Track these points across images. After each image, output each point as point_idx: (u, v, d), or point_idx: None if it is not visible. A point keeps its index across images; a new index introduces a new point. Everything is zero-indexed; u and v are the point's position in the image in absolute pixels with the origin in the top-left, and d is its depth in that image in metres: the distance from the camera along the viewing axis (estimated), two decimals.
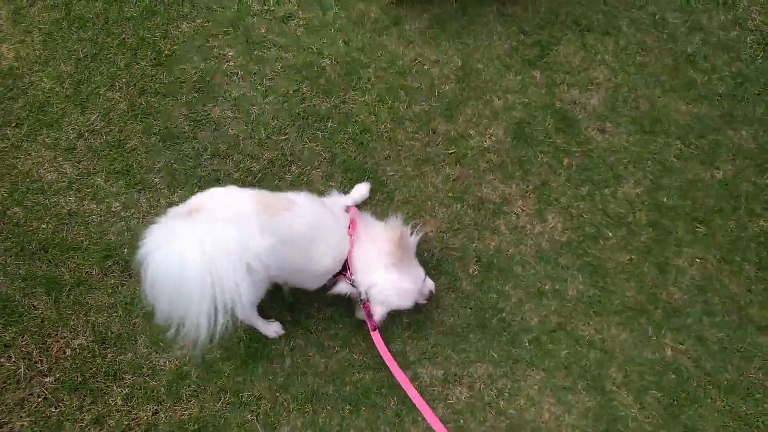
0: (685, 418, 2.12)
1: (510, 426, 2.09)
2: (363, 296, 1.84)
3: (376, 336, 1.81)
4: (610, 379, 2.15)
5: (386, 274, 1.92)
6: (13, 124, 2.36)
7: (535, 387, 2.14)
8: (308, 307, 2.16)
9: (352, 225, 1.89)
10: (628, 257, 2.26)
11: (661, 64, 2.46)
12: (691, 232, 2.31)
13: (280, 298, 2.13)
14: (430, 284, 2.01)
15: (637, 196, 2.34)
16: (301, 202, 1.81)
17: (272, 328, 2.09)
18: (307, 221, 1.76)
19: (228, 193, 1.71)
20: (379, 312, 1.85)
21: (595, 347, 2.17)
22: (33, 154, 2.32)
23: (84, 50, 2.46)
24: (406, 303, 1.91)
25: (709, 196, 2.35)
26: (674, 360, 2.18)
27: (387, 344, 2.01)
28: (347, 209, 2.05)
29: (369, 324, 1.87)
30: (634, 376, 2.16)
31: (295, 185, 2.27)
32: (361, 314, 1.94)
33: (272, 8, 2.52)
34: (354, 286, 1.91)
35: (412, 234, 1.91)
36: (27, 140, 2.35)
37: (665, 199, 2.34)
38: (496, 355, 2.16)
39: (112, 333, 2.12)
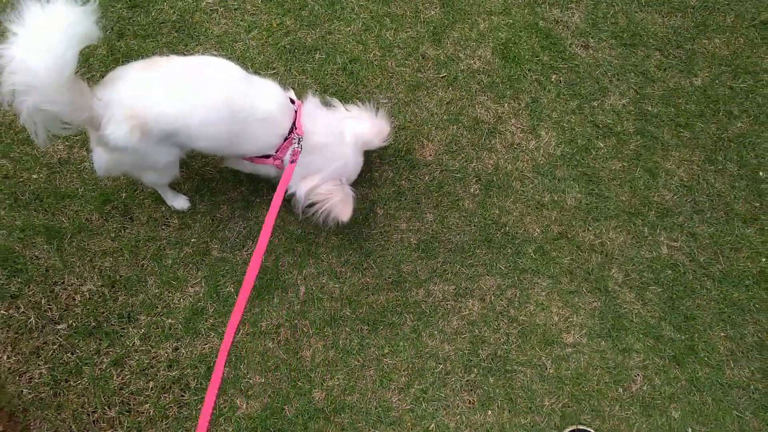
0: (684, 309, 2.58)
1: (522, 331, 2.50)
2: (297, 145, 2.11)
3: (288, 171, 2.08)
4: (612, 280, 2.59)
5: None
6: None
7: (543, 293, 2.56)
8: (316, 236, 2.56)
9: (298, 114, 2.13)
10: (620, 164, 2.71)
11: None
12: (676, 136, 2.77)
13: (288, 230, 2.44)
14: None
15: (623, 106, 2.78)
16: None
17: (178, 202, 2.50)
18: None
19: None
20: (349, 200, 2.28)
21: (596, 251, 2.61)
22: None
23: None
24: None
25: (690, 102, 2.82)
26: (670, 257, 2.64)
27: (398, 264, 2.56)
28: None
29: (292, 158, 2.07)
30: (634, 274, 2.61)
31: None
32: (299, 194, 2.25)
33: None
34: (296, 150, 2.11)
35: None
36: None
37: (650, 108, 2.80)
38: (503, 267, 2.57)
39: (120, 276, 2.40)
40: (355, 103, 2.45)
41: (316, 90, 2.71)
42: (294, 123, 2.14)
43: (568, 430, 2.31)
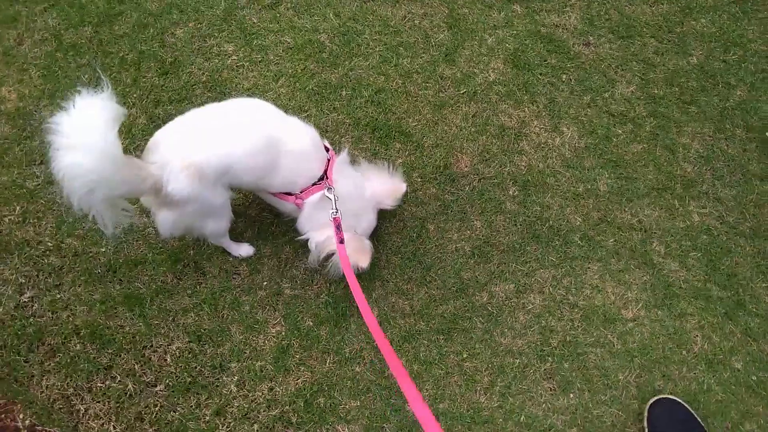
0: (724, 268, 2.98)
1: (584, 314, 2.86)
2: (335, 205, 2.36)
3: (340, 249, 2.30)
4: (656, 253, 2.97)
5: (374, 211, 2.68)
6: (38, 162, 2.89)
7: (596, 277, 2.92)
8: (377, 259, 2.91)
9: (330, 163, 2.38)
10: (640, 146, 3.12)
11: None
12: (685, 113, 3.20)
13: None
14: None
15: (632, 93, 3.20)
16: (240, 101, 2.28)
17: (243, 249, 2.81)
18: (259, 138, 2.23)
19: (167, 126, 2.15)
20: (367, 249, 2.51)
21: (635, 229, 3.00)
22: None
23: (86, 76, 3.03)
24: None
25: (690, 80, 3.25)
26: (702, 223, 3.04)
27: (458, 272, 2.90)
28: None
29: (337, 237, 2.30)
30: (674, 245, 3.00)
31: None
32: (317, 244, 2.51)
33: None
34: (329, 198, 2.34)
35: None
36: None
37: (656, 91, 3.22)
38: (554, 259, 2.93)
39: (204, 329, 2.70)
40: (374, 162, 2.84)
41: (349, 124, 3.05)
42: (325, 172, 2.45)
43: (654, 399, 2.63)
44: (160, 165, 2.14)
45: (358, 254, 2.57)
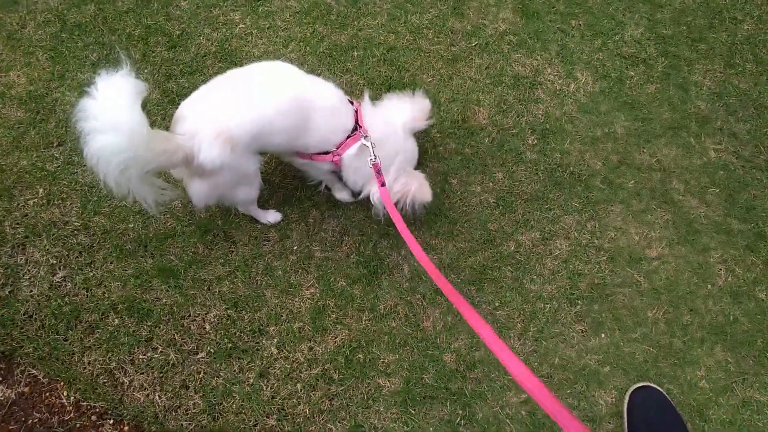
0: (743, 202, 3.00)
1: (610, 256, 2.89)
2: (372, 153, 2.34)
3: (383, 192, 2.29)
4: (675, 191, 2.99)
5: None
6: (55, 144, 2.85)
7: (619, 219, 2.94)
8: (404, 217, 2.81)
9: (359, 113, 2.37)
10: (654, 87, 3.11)
11: None
12: (694, 51, 3.19)
13: (377, 220, 2.80)
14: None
15: (641, 34, 3.19)
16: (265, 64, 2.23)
17: (270, 216, 2.82)
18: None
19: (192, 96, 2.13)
20: (425, 185, 2.54)
21: (654, 169, 3.01)
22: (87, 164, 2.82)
23: (94, 54, 2.98)
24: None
25: (698, 18, 3.24)
26: (719, 158, 3.05)
27: (484, 224, 2.88)
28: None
29: (378, 180, 2.30)
30: (693, 182, 3.01)
31: None
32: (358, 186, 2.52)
33: None
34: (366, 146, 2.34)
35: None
36: (76, 154, 2.85)
37: (665, 31, 3.20)
38: (577, 204, 2.94)
39: (240, 296, 2.70)
40: (396, 92, 2.80)
41: (364, 84, 3.03)
42: (357, 122, 2.44)
43: (634, 387, 2.66)
44: (190, 135, 2.12)
45: (418, 191, 2.59)
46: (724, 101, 3.15)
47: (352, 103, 2.52)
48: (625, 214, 2.99)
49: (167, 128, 2.25)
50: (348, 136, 2.43)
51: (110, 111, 1.71)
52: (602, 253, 2.92)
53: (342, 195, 2.82)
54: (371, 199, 2.63)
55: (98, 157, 1.74)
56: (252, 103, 2.18)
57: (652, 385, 2.64)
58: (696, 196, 3.03)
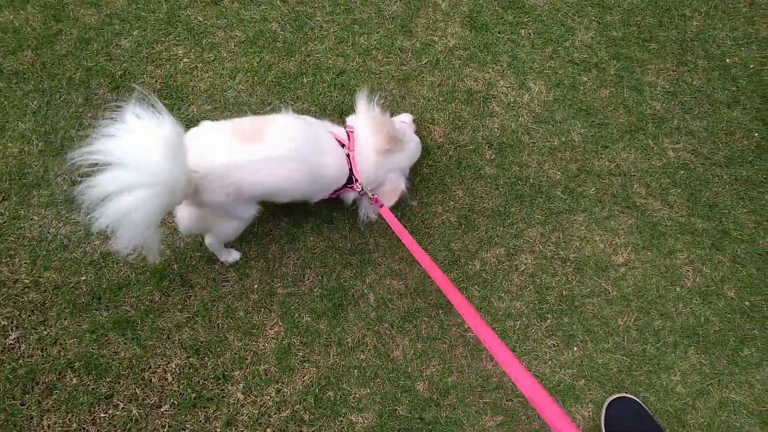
0: (705, 200, 2.93)
1: (577, 267, 2.79)
2: (370, 194, 2.38)
3: (386, 212, 2.30)
4: (637, 195, 2.91)
5: (399, 163, 2.60)
6: (0, 199, 2.68)
7: (582, 228, 2.85)
8: (366, 244, 2.83)
9: (350, 140, 2.45)
10: (608, 91, 3.03)
11: None
12: (646, 51, 3.10)
13: (339, 248, 2.74)
14: (407, 118, 2.69)
15: (591, 39, 3.09)
16: (283, 126, 2.14)
17: (231, 256, 2.72)
18: (288, 146, 2.11)
19: (203, 131, 2.04)
20: (397, 191, 2.49)
21: (614, 174, 2.92)
22: (35, 218, 2.69)
23: (35, 102, 2.83)
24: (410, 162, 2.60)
25: (646, 17, 3.16)
26: (678, 158, 2.97)
27: (448, 244, 2.78)
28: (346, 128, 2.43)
29: (377, 203, 2.33)
30: (654, 184, 2.93)
31: None
32: (369, 213, 2.56)
33: None
34: (364, 192, 2.39)
35: (381, 107, 2.53)
36: (21, 208, 2.71)
37: (615, 33, 3.12)
38: (540, 216, 2.85)
39: (201, 342, 2.58)
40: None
41: (316, 111, 2.91)
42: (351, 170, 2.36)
43: (611, 398, 2.58)
44: (203, 174, 2.02)
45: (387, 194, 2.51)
46: (679, 100, 3.08)
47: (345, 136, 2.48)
48: (588, 222, 2.90)
49: None
50: (344, 185, 2.40)
51: (154, 164, 1.59)
52: (568, 264, 2.83)
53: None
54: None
55: (130, 213, 1.57)
56: (269, 171, 2.09)
57: (628, 395, 2.55)
58: (658, 198, 2.96)
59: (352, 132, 2.45)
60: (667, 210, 2.94)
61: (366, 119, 2.52)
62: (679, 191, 2.98)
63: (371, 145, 2.47)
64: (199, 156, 2.04)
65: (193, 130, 2.14)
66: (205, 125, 2.17)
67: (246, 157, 1.99)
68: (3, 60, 2.92)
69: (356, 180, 2.33)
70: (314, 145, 2.20)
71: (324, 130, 2.40)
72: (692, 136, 3.05)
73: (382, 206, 2.41)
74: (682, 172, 3.01)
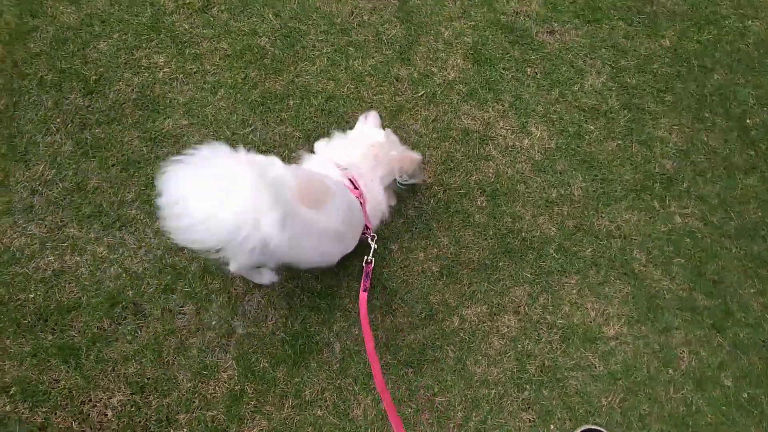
0: (710, 274, 2.65)
1: (563, 335, 2.53)
2: (374, 245, 2.24)
3: (362, 298, 2.11)
4: (637, 261, 2.64)
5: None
6: None
7: (574, 292, 2.59)
8: (338, 288, 2.59)
9: (356, 184, 2.27)
10: (615, 143, 2.76)
11: None
12: (660, 103, 2.83)
13: (308, 288, 2.48)
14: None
15: (602, 84, 2.82)
16: (337, 193, 2.10)
17: (266, 277, 2.49)
18: (341, 217, 2.10)
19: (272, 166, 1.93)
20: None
21: (614, 236, 2.65)
22: None
23: (2, 101, 2.60)
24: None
25: (664, 66, 2.88)
26: (685, 225, 2.70)
27: (426, 296, 2.57)
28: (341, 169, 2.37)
29: (362, 285, 2.16)
30: (656, 251, 2.66)
31: None
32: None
33: (188, 1, 2.76)
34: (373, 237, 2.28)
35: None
36: None
37: (628, 80, 2.84)
38: (529, 275, 2.58)
39: (148, 379, 2.35)
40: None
41: (299, 137, 2.66)
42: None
43: (581, 430, 2.33)
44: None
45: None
46: (692, 160, 2.80)
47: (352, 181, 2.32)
48: (581, 286, 2.63)
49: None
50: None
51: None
52: (555, 330, 2.57)
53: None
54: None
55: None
56: (318, 242, 2.04)
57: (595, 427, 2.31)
58: (659, 267, 2.68)
59: (353, 178, 2.26)
60: (667, 281, 2.67)
61: (366, 148, 2.36)
62: (682, 262, 2.70)
63: (376, 180, 2.34)
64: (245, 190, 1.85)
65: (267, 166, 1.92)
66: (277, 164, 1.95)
67: (305, 218, 1.91)
68: None
69: (368, 228, 2.24)
70: (351, 212, 2.14)
71: (344, 184, 2.22)
72: (702, 201, 2.77)
73: (365, 290, 2.20)
74: (688, 240, 2.73)
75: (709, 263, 2.73)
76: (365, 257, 2.28)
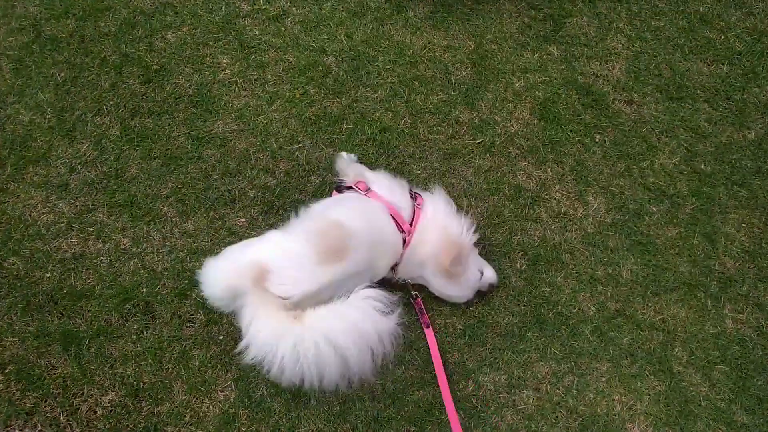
0: (755, 389, 2.39)
1: (583, 423, 2.31)
2: (413, 294, 2.29)
3: (430, 334, 2.20)
4: (677, 360, 2.40)
5: (433, 276, 2.10)
6: None
7: (603, 379, 2.36)
8: None
9: (415, 217, 2.16)
10: (676, 231, 2.52)
11: (676, 27, 2.77)
12: (733, 196, 2.58)
13: None
14: (491, 277, 2.36)
15: (674, 165, 2.60)
16: (355, 229, 2.06)
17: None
18: (363, 256, 2.09)
19: (279, 245, 2.00)
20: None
21: (657, 329, 2.42)
22: (22, 196, 2.41)
23: (62, 74, 2.57)
24: (458, 298, 2.40)
25: (744, 158, 2.64)
26: (736, 331, 2.44)
27: (444, 353, 2.34)
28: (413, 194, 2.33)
29: (422, 321, 2.23)
30: (699, 353, 2.41)
31: (317, 196, 2.42)
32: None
33: (263, 7, 2.69)
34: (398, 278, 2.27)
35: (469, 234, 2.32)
36: (12, 181, 2.45)
37: (703, 166, 2.61)
38: (558, 352, 2.37)
39: (144, 384, 2.25)
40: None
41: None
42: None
43: None
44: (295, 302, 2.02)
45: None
46: (756, 264, 2.54)
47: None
48: (611, 375, 2.41)
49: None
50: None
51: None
52: (574, 417, 2.35)
53: None
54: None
55: None
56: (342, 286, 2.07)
57: None
58: (700, 370, 2.44)
59: (420, 208, 2.27)
60: (706, 387, 2.42)
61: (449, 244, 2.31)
62: (726, 369, 2.45)
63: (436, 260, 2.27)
64: (291, 281, 1.94)
65: (270, 242, 2.03)
66: (281, 242, 2.03)
67: (330, 278, 1.98)
68: (45, 23, 2.70)
69: (396, 265, 2.25)
70: (382, 247, 2.18)
71: (386, 213, 2.20)
72: (760, 309, 2.52)
73: (429, 326, 2.28)
74: (737, 348, 2.48)
75: (756, 377, 2.47)
76: (410, 294, 2.32)
